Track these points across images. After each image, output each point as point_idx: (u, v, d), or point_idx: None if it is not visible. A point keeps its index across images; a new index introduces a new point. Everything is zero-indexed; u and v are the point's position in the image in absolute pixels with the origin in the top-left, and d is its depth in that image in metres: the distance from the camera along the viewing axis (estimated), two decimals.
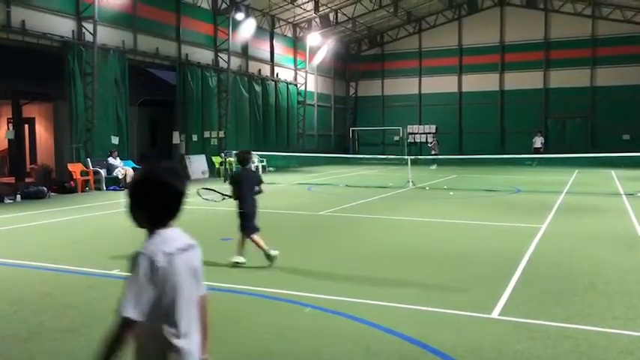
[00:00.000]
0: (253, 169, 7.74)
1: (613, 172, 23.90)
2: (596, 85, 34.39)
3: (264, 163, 27.52)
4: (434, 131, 37.95)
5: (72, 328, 5.21)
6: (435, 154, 29.76)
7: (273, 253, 7.55)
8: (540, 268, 7.41)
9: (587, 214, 12.39)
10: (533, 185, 19.16)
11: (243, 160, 7.98)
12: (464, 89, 37.60)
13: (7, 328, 5.23)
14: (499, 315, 5.48)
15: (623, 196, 15.76)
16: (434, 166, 28.35)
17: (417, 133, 38.62)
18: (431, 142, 31.41)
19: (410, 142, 38.21)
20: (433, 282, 6.83)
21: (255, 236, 7.64)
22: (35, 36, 17.84)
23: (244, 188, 7.65)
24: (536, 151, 31.43)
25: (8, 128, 23.77)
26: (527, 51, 35.62)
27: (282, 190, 19.14)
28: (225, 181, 21.80)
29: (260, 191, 7.82)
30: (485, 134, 36.19)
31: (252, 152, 7.68)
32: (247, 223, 7.62)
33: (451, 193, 17.08)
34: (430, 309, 5.67)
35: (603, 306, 5.77)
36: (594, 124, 34.48)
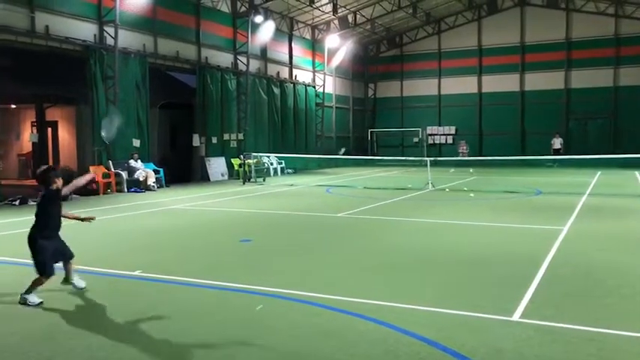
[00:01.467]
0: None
1: (637, 174, 23.52)
2: (619, 85, 33.86)
3: (283, 165, 27.63)
4: (454, 132, 37.68)
5: (91, 327, 5.27)
6: (463, 155, 29.24)
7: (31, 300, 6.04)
8: (562, 270, 7.32)
9: (610, 216, 12.20)
10: (555, 187, 18.93)
11: (42, 178, 6.33)
12: (484, 90, 37.29)
13: (28, 328, 5.31)
14: (520, 317, 5.42)
15: None
16: (471, 170, 27.93)
17: (436, 135, 38.43)
18: (460, 146, 30.66)
19: (430, 144, 38.02)
20: (453, 284, 6.78)
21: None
22: (58, 40, 18.13)
23: (48, 214, 6.29)
24: (556, 152, 31.08)
25: (32, 131, 24.22)
26: (548, 51, 35.20)
27: (300, 191, 19.19)
28: (243, 183, 21.95)
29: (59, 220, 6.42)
30: (505, 135, 35.84)
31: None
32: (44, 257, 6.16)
33: (471, 194, 16.96)
34: (450, 311, 5.63)
35: (628, 309, 5.67)
36: (617, 125, 33.91)
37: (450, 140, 37.77)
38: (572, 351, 4.59)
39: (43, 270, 6.12)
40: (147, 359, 4.57)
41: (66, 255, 6.48)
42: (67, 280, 6.54)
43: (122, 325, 5.38)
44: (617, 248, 8.77)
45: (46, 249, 6.17)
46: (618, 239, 9.51)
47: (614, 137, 33.64)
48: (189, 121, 24.71)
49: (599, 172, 24.73)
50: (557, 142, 31.75)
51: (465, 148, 30.22)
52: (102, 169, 18.82)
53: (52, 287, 6.89)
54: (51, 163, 23.77)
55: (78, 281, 6.57)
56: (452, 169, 27.82)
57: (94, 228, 11.49)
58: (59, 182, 6.39)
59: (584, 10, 34.20)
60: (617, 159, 22.76)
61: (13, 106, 24.79)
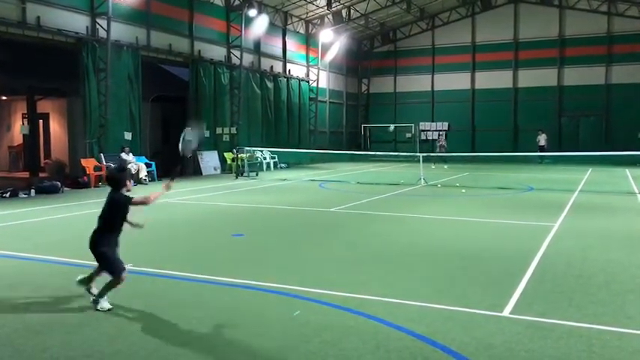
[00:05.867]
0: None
1: (627, 171, 23.66)
2: (611, 83, 34.02)
3: (276, 159, 27.59)
4: (446, 128, 37.77)
5: (84, 321, 5.25)
6: (443, 152, 29.65)
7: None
8: (553, 266, 7.35)
9: (601, 213, 12.27)
10: (547, 183, 19.02)
11: (112, 180, 5.93)
12: (477, 86, 37.37)
13: (22, 321, 5.28)
14: (510, 313, 5.44)
15: (638, 195, 15.61)
16: (445, 166, 28.15)
17: (429, 130, 38.51)
18: (439, 141, 31.03)
19: (422, 140, 38.08)
20: (444, 280, 6.80)
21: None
22: (50, 32, 17.98)
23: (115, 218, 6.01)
24: (541, 149, 31.26)
25: (23, 123, 24.05)
26: (541, 48, 35.31)
27: (293, 186, 19.17)
28: (236, 178, 21.90)
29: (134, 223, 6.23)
30: (498, 132, 35.95)
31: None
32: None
33: (463, 190, 17.00)
34: (441, 307, 5.65)
35: (617, 305, 5.71)
36: (609, 122, 34.11)
37: (438, 137, 37.88)
38: (562, 347, 4.62)
39: (114, 269, 5.70)
40: (138, 352, 4.56)
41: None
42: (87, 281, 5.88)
43: (114, 318, 5.36)
44: (607, 245, 8.82)
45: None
46: (608, 236, 9.56)
47: (605, 135, 33.82)
48: (182, 115, 24.59)
49: (590, 169, 24.87)
50: (542, 139, 31.90)
51: (443, 142, 30.49)
52: (93, 162, 18.72)
53: (46, 283, 6.84)
54: (42, 155, 23.65)
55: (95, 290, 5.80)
56: (445, 166, 28.05)
57: (86, 221, 11.45)
58: (130, 185, 5.95)
59: (577, 8, 34.31)
60: (608, 156, 22.89)
61: (4, 98, 24.62)
